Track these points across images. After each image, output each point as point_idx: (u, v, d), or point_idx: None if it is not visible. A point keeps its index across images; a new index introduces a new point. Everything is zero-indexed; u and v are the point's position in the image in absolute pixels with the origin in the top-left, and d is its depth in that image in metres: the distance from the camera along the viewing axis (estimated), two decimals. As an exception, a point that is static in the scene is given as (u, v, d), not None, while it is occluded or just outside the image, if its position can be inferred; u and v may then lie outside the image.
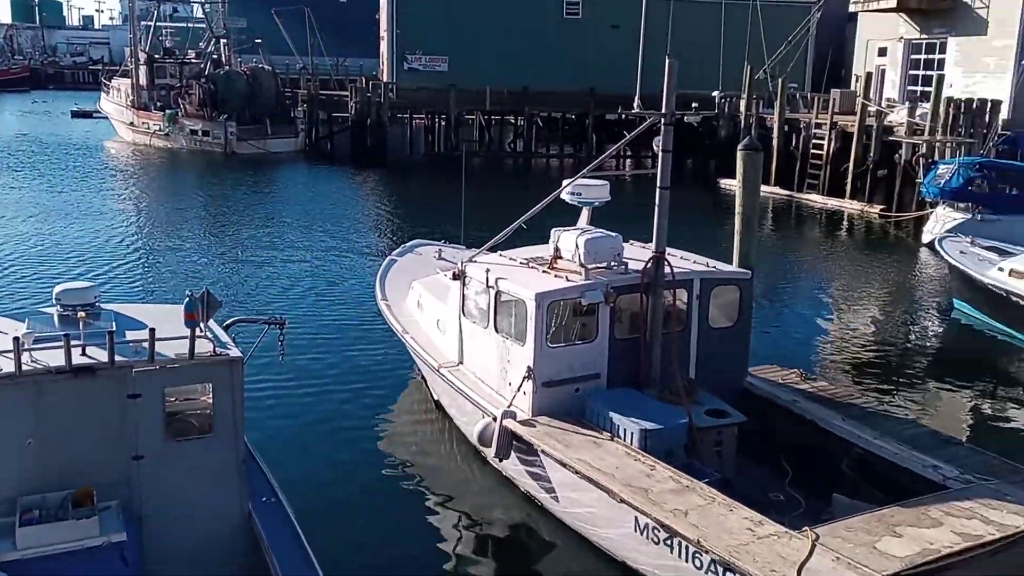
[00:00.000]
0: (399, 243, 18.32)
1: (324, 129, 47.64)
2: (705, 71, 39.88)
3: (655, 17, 38.41)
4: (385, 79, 45.74)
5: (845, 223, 30.41)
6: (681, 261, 11.01)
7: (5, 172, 36.78)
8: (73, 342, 7.22)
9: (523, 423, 10.06)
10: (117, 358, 7.26)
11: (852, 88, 37.10)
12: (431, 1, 45.38)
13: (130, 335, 7.72)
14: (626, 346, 10.57)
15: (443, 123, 45.89)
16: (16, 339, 7.07)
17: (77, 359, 7.23)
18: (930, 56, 36.70)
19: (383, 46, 47.97)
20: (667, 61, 10.17)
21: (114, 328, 7.55)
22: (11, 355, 7.03)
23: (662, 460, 9.16)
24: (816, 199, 33.17)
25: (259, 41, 53.09)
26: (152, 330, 7.33)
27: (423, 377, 13.35)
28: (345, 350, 15.70)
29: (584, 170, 11.76)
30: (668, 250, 10.64)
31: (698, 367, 10.95)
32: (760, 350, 13.29)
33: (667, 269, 10.48)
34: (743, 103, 37.75)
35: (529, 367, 10.16)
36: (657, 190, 10.47)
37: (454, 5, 45.34)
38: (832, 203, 32.35)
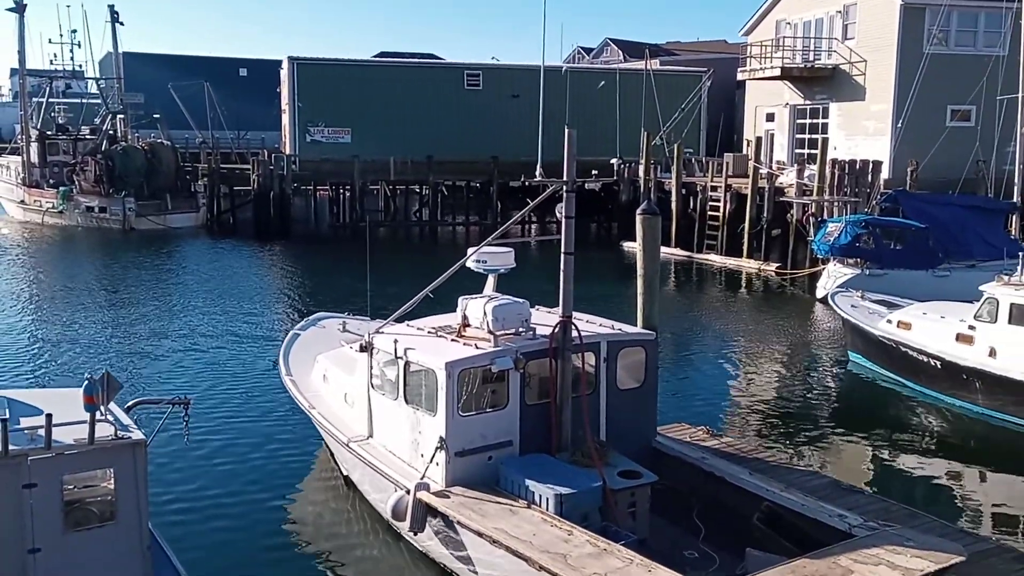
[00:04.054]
0: (303, 317, 18.11)
1: (226, 203, 46.99)
2: (604, 138, 41.26)
3: (554, 87, 39.81)
4: (288, 151, 45.59)
5: (744, 281, 31.39)
6: (587, 325, 11.18)
7: None
8: (-38, 432, 6.91)
9: (437, 495, 9.96)
10: (11, 447, 6.97)
11: (744, 152, 38.68)
12: (333, 73, 45.71)
13: (24, 422, 7.42)
14: (537, 411, 10.63)
15: (347, 194, 45.86)
16: None
17: (-33, 450, 6.92)
18: (814, 120, 38.59)
19: (285, 119, 47.87)
20: (566, 131, 10.48)
21: (7, 415, 7.26)
22: None
23: (578, 524, 9.18)
24: (715, 259, 34.24)
25: (158, 116, 52.33)
26: (49, 415, 7.06)
27: (331, 452, 13.12)
28: (251, 428, 15.34)
29: (489, 238, 11.91)
30: (574, 314, 10.79)
31: (608, 429, 11.06)
32: (668, 409, 13.54)
33: (574, 333, 10.63)
34: (642, 168, 38.90)
35: (441, 437, 10.11)
36: (561, 255, 10.66)
37: (356, 77, 45.74)
38: (730, 262, 33.43)
